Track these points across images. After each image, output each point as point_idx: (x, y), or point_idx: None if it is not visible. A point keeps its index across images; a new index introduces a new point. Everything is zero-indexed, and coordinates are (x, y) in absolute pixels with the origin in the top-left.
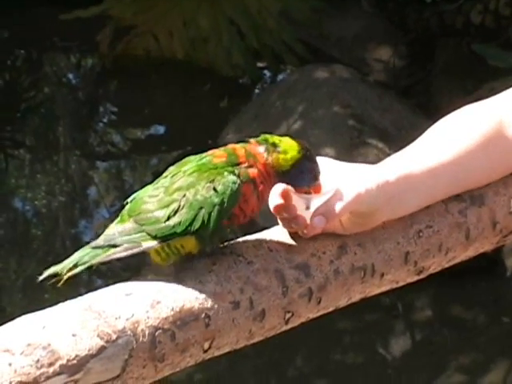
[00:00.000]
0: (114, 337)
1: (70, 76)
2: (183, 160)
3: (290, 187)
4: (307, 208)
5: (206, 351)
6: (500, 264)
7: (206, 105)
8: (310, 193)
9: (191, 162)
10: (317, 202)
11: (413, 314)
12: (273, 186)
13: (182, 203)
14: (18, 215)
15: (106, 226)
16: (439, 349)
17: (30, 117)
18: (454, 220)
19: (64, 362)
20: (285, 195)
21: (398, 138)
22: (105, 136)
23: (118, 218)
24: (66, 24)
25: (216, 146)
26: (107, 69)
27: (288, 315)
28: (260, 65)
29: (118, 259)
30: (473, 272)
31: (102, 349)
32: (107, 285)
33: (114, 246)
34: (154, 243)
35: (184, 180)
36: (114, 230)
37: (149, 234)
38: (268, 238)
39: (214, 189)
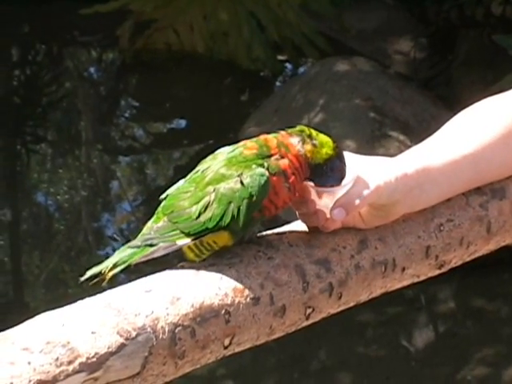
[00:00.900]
0: (133, 334)
1: (91, 71)
2: (215, 152)
3: (309, 182)
4: (325, 202)
5: (226, 347)
6: None
7: (226, 98)
8: None
9: (222, 155)
10: (336, 194)
11: (436, 307)
12: (305, 177)
13: (212, 198)
14: (41, 210)
15: (128, 220)
16: (462, 341)
17: (51, 112)
18: (475, 213)
19: (83, 359)
20: (304, 189)
21: (419, 130)
22: (126, 130)
23: (154, 217)
24: (86, 18)
25: (237, 140)
26: (128, 63)
27: (309, 311)
28: (280, 58)
29: (156, 258)
30: (496, 264)
31: (121, 346)
32: (129, 280)
33: (151, 245)
34: (187, 240)
35: (214, 174)
36: (149, 229)
37: (182, 232)
38: (288, 233)
39: (241, 182)
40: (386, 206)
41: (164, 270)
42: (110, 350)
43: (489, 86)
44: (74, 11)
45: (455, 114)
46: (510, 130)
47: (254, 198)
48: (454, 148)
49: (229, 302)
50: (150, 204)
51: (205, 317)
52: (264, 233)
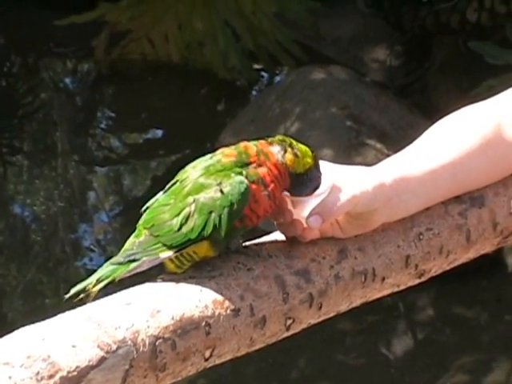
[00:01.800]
0: (114, 347)
1: (67, 81)
2: (193, 162)
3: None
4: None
5: (207, 359)
6: (502, 263)
7: (202, 108)
8: None
9: (200, 164)
10: (312, 203)
11: (414, 314)
12: (286, 185)
13: (193, 209)
14: (17, 221)
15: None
16: (441, 349)
17: (27, 123)
18: (454, 222)
19: (64, 373)
20: (280, 200)
21: (396, 138)
22: (102, 141)
23: (135, 232)
24: (61, 29)
25: (215, 149)
26: (103, 74)
27: (289, 321)
28: (256, 67)
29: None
30: (475, 271)
31: (102, 359)
32: (109, 293)
33: (134, 260)
34: (170, 253)
35: (193, 184)
36: (132, 244)
37: (164, 244)
38: (268, 244)
39: (221, 191)
40: (363, 215)
41: (144, 282)
42: (91, 363)
43: (465, 93)
44: (49, 22)
45: (432, 121)
46: (488, 139)
47: (235, 205)
48: (432, 157)
49: (209, 313)
50: (127, 214)
51: (185, 329)
52: (243, 244)
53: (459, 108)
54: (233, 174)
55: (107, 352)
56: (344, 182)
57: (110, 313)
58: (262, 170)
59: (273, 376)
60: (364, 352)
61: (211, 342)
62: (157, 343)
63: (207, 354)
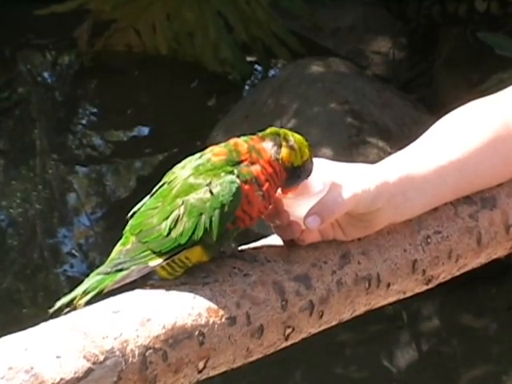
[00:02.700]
0: (101, 358)
1: (47, 75)
2: (182, 162)
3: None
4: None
5: (200, 371)
6: None
7: (192, 103)
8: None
9: (189, 163)
10: (310, 203)
11: (419, 324)
12: (282, 182)
13: (182, 211)
14: None
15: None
16: (448, 361)
17: (3, 119)
18: (464, 224)
19: None
20: (275, 201)
21: (400, 136)
22: (85, 139)
23: (122, 239)
24: (40, 20)
25: (205, 148)
26: (86, 67)
27: (288, 330)
28: (250, 59)
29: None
30: (484, 278)
31: (88, 371)
32: (96, 301)
33: (122, 270)
34: (160, 260)
35: (181, 185)
36: (119, 253)
37: (154, 252)
38: (265, 248)
39: (211, 191)
40: (366, 216)
41: (133, 289)
42: (77, 375)
43: (474, 88)
44: (27, 12)
45: (438, 117)
46: (498, 133)
47: (226, 207)
48: (438, 154)
49: (203, 322)
50: (110, 217)
51: (177, 338)
52: (239, 248)
53: (467, 103)
54: (223, 174)
55: (94, 363)
56: (344, 179)
57: (96, 321)
58: (256, 169)
59: None
60: (365, 364)
61: (205, 352)
62: (147, 354)
63: (201, 365)
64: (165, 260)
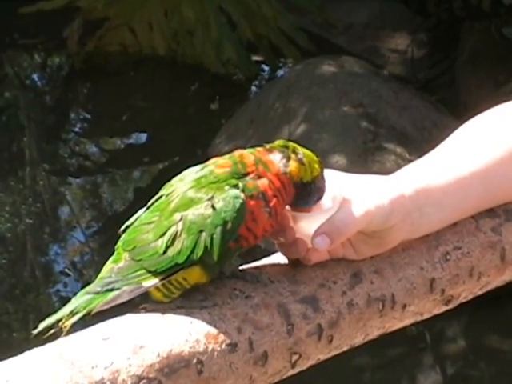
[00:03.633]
0: None
1: (35, 78)
2: (182, 173)
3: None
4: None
5: None
6: None
7: (193, 108)
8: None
9: (189, 175)
10: (318, 220)
11: (443, 346)
12: (290, 198)
13: (180, 227)
14: None
15: (81, 252)
16: None
17: None
18: (486, 239)
19: None
20: (280, 216)
21: (420, 141)
22: (77, 147)
23: (114, 255)
24: (27, 18)
25: (206, 156)
26: (77, 69)
27: (295, 357)
28: (255, 59)
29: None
30: (510, 295)
31: None
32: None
33: (113, 289)
34: (155, 281)
35: (181, 198)
36: (110, 271)
37: (148, 271)
38: (268, 267)
39: (213, 207)
40: (380, 233)
41: (125, 313)
42: None
43: (499, 87)
44: (12, 10)
45: (461, 120)
46: None
47: (229, 224)
48: (460, 164)
49: (201, 349)
50: (106, 233)
51: (173, 367)
52: (240, 268)
53: (493, 105)
54: (227, 187)
55: None
56: (356, 194)
57: (85, 349)
58: (262, 183)
59: None
60: None
61: (204, 381)
62: None
63: None
64: (160, 280)
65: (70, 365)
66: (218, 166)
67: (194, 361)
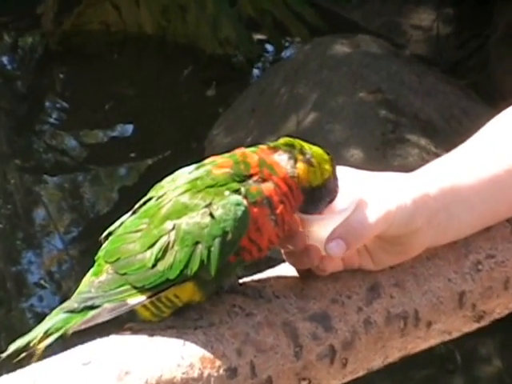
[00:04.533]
0: None
1: (5, 61)
2: (174, 173)
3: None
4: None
5: None
6: None
7: (186, 95)
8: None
9: (183, 176)
10: (332, 223)
11: (475, 367)
12: (298, 204)
13: (172, 238)
14: None
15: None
16: None
17: None
18: None
19: None
20: (288, 225)
21: (448, 132)
22: (53, 141)
23: (94, 267)
24: None
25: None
26: (53, 50)
27: (304, 383)
28: (258, 38)
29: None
30: None
31: None
32: (61, 350)
33: (93, 307)
34: (142, 298)
35: (173, 204)
36: (89, 285)
37: (134, 286)
38: (272, 280)
39: (211, 215)
40: (401, 238)
41: (107, 334)
42: None
43: None
44: None
45: (496, 109)
46: None
47: (229, 235)
48: (492, 160)
49: (195, 375)
50: (88, 238)
51: None
52: (240, 281)
53: None
54: (227, 192)
55: None
56: (374, 194)
57: (62, 376)
58: (267, 187)
59: None
60: None
61: None
62: None
63: None
64: (148, 298)
65: None
66: (216, 165)
67: None
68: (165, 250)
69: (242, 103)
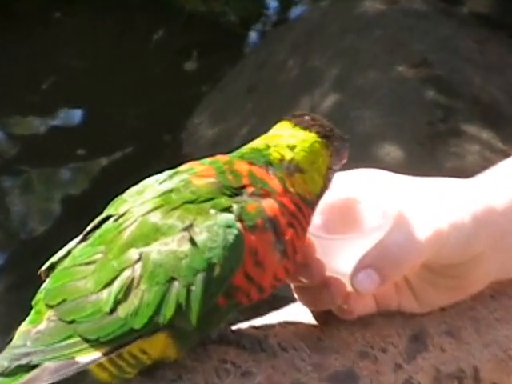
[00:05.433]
0: None
1: None
2: (140, 184)
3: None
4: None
5: None
6: None
7: (157, 68)
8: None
9: (152, 188)
10: (360, 246)
11: None
12: (308, 224)
13: (138, 272)
14: None
15: None
16: None
17: None
18: None
19: None
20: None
21: None
22: None
23: (32, 312)
24: None
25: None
26: None
27: None
28: None
29: None
30: None
31: None
32: None
33: (30, 366)
34: (96, 355)
35: (139, 225)
36: (25, 336)
37: (85, 339)
38: (278, 327)
39: (192, 240)
40: (456, 268)
41: None
42: None
43: None
44: None
45: None
46: None
47: (217, 269)
48: None
49: None
50: (18, 269)
51: None
52: (233, 327)
53: None
54: (213, 211)
55: None
56: (418, 207)
57: None
58: (270, 205)
59: None
60: None
61: None
62: None
63: None
64: (105, 354)
65: None
66: (196, 175)
67: None
68: (128, 290)
69: (235, 81)
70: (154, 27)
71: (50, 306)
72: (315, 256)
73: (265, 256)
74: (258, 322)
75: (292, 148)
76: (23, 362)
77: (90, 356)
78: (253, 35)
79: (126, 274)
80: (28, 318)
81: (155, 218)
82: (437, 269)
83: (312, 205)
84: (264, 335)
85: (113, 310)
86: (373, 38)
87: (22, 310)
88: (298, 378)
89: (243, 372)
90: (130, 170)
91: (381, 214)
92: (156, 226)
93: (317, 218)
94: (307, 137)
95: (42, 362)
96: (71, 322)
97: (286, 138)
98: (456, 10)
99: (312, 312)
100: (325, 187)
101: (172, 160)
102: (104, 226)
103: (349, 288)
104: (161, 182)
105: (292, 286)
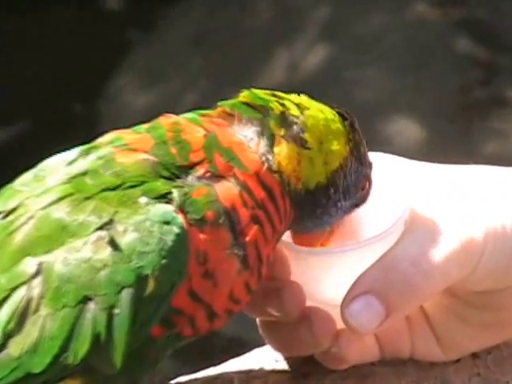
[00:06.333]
0: None
1: None
2: (39, 165)
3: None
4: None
5: None
6: None
7: (66, 6)
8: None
9: (58, 171)
10: (356, 263)
11: None
12: (287, 226)
13: (37, 291)
14: None
15: None
16: None
17: None
18: None
19: None
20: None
21: None
22: None
23: None
24: None
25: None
26: None
27: None
28: None
29: None
30: None
31: None
32: None
33: None
34: None
35: (38, 224)
36: None
37: None
38: (237, 380)
39: (113, 243)
40: (496, 296)
41: None
42: None
43: None
44: None
45: None
46: None
47: (150, 284)
48: None
49: None
50: None
51: None
52: (194, 375)
53: None
54: (144, 199)
55: None
56: (440, 208)
57: None
58: (227, 190)
59: None
60: None
61: None
62: None
63: None
64: None
65: None
66: (122, 148)
67: None
68: (22, 317)
69: (176, 26)
70: None
71: None
72: (289, 278)
73: (217, 264)
74: (210, 373)
75: (302, 109)
76: None
77: None
78: None
79: (19, 294)
80: None
81: (61, 212)
82: (467, 297)
83: (297, 197)
84: None
85: (1, 347)
86: None
87: None
88: None
89: None
90: (27, 149)
91: (387, 217)
92: (62, 224)
93: None
94: (326, 110)
95: None
96: None
97: (297, 98)
98: None
99: (286, 359)
100: (325, 187)
101: (84, 138)
102: None
103: (339, 324)
104: (70, 163)
105: (258, 321)
